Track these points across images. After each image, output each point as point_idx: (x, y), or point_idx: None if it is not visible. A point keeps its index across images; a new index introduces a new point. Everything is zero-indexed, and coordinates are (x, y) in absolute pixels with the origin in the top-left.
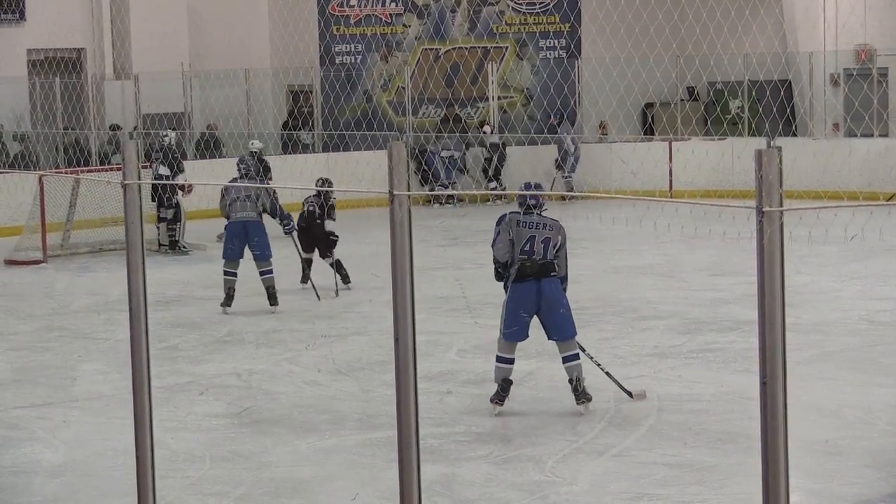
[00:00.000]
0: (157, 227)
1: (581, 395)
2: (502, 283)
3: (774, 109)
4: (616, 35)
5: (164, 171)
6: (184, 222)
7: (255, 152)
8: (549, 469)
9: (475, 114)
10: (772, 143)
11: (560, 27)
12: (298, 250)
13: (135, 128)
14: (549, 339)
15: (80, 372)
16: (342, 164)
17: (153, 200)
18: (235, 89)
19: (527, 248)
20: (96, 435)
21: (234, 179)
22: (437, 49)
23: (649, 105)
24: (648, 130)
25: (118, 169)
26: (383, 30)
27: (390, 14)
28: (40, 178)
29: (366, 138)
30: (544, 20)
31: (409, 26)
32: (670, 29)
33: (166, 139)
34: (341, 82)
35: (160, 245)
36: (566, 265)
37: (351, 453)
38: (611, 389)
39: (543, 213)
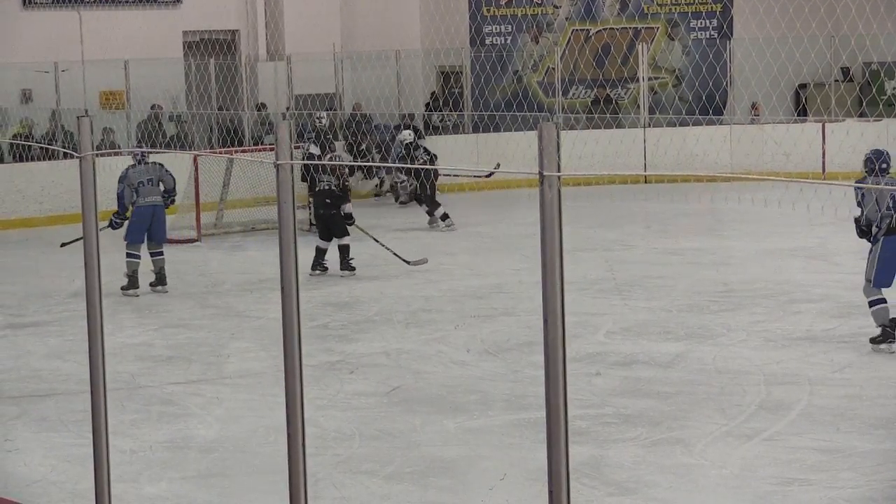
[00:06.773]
0: (309, 207)
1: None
2: (865, 238)
3: None
4: (769, 14)
5: (314, 150)
6: None
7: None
8: (699, 452)
9: (626, 95)
10: None
11: (712, 7)
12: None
13: (287, 108)
14: None
15: (232, 349)
16: (492, 144)
17: (303, 181)
18: (386, 70)
19: (891, 205)
20: (248, 412)
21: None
22: (587, 30)
23: (803, 86)
24: (802, 112)
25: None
26: (534, 10)
27: None
28: (195, 159)
29: (516, 119)
30: (696, 0)
31: (560, 7)
32: (825, 8)
33: (321, 121)
34: (491, 63)
35: (311, 224)
36: None
37: (499, 433)
38: (761, 373)
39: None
